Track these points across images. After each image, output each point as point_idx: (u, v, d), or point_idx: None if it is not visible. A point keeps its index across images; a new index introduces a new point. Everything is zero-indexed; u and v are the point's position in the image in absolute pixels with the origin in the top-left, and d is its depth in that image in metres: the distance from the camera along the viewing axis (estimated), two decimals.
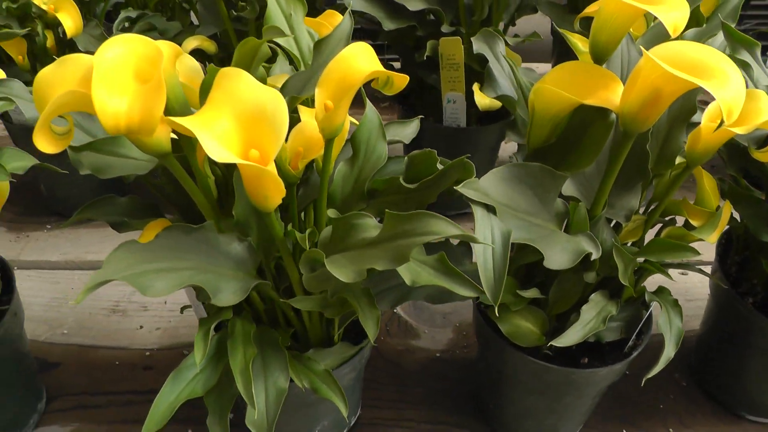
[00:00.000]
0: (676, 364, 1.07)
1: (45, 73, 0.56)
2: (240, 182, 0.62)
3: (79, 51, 1.07)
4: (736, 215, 0.87)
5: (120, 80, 0.53)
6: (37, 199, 1.38)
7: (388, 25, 1.04)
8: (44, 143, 0.54)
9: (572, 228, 0.72)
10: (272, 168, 0.51)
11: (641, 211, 0.82)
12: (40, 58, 1.12)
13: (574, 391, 0.85)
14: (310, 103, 0.67)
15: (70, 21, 1.05)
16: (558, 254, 0.65)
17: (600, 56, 0.71)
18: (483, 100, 1.09)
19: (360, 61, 0.56)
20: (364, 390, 0.96)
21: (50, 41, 1.11)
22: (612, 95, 0.67)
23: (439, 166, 0.62)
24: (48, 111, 0.53)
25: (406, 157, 0.67)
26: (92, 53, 1.10)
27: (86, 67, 0.56)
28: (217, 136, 0.51)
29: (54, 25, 1.10)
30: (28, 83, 1.11)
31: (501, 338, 0.81)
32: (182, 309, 0.84)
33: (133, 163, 0.67)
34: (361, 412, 0.97)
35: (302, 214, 0.71)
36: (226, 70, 0.54)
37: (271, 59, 0.99)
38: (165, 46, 0.55)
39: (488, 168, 0.64)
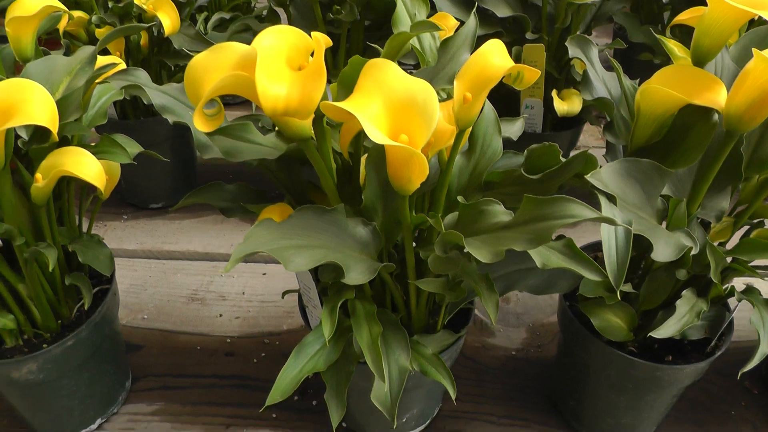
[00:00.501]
0: (747, 373, 1.08)
1: (199, 60, 0.61)
2: (374, 168, 0.66)
3: (174, 49, 1.12)
4: None
5: (277, 67, 0.57)
6: (114, 191, 1.43)
7: (478, 30, 1.08)
8: (201, 123, 0.58)
9: (671, 224, 0.75)
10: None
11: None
12: (133, 54, 1.17)
13: (657, 388, 0.87)
14: None
15: (168, 20, 1.10)
16: (663, 247, 0.68)
17: (701, 60, 0.75)
18: (562, 106, 1.12)
19: (496, 57, 0.60)
20: None
21: (144, 39, 1.16)
22: (717, 96, 0.70)
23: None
24: (209, 93, 0.57)
25: (525, 151, 0.70)
26: (187, 51, 1.15)
27: (238, 55, 0.60)
28: (371, 120, 0.55)
29: (150, 23, 1.16)
30: None
31: (590, 332, 0.84)
32: (284, 294, 0.87)
33: (261, 148, 0.71)
34: (442, 405, 1.00)
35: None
36: (374, 61, 0.58)
37: None
38: (320, 35, 0.59)
39: None
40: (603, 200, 0.61)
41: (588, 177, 0.61)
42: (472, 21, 0.68)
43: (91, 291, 0.84)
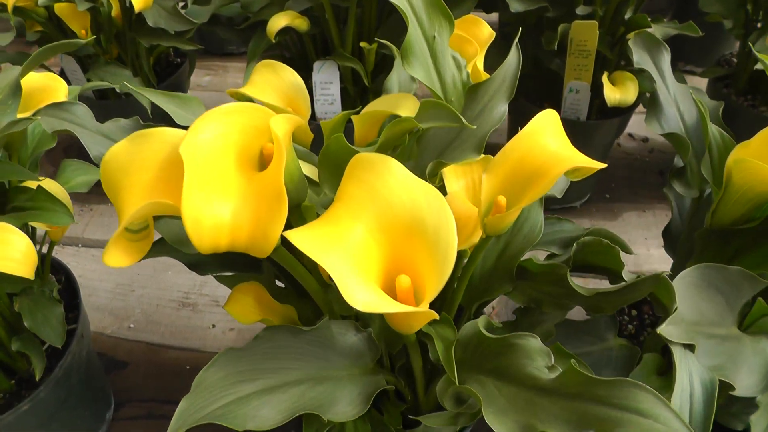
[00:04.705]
0: None
1: (116, 154, 0.44)
2: None
3: (149, 26, 0.93)
4: None
5: (218, 175, 0.40)
6: None
7: (516, 6, 0.87)
8: (117, 257, 0.42)
9: (752, 327, 0.57)
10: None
11: None
12: (104, 28, 0.99)
13: None
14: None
15: None
16: (745, 377, 0.51)
17: None
18: (614, 94, 0.92)
19: (549, 140, 0.41)
20: None
21: (115, 10, 0.97)
22: None
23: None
24: (124, 224, 0.41)
25: (574, 245, 0.51)
26: (163, 29, 0.95)
27: (170, 145, 0.43)
28: (355, 259, 0.38)
29: None
30: (93, 57, 0.97)
31: None
32: None
33: None
34: None
35: None
36: (368, 158, 0.40)
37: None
38: (281, 124, 0.41)
39: None
40: (678, 352, 0.44)
41: (660, 330, 0.44)
42: (513, 57, 0.49)
43: (43, 358, 0.71)
